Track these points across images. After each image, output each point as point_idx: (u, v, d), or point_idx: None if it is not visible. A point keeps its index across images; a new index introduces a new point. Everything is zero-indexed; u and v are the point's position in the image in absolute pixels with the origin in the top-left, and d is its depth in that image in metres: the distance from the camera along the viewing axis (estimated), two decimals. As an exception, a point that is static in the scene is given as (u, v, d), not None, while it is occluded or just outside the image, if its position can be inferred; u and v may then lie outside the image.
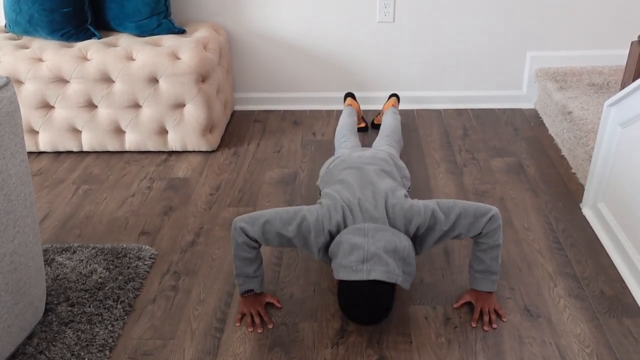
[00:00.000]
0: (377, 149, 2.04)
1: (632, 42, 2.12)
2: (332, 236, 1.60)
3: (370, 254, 1.48)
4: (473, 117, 2.95)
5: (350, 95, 2.82)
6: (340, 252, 1.52)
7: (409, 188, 1.97)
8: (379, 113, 2.83)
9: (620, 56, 2.83)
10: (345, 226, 1.59)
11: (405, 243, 1.53)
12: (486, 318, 1.68)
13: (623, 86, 2.18)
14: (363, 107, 3.03)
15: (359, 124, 2.76)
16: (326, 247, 1.61)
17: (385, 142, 2.29)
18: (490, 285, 1.71)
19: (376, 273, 1.47)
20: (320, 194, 1.94)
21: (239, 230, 1.63)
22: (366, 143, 2.66)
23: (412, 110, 3.05)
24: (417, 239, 1.63)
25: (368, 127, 2.83)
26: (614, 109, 1.94)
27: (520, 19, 2.86)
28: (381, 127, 2.50)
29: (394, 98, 2.80)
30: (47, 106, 2.60)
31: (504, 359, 1.58)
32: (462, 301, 1.75)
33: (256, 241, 1.65)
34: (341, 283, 1.55)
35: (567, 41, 2.91)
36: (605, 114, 1.98)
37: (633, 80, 2.05)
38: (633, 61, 2.10)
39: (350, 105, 2.72)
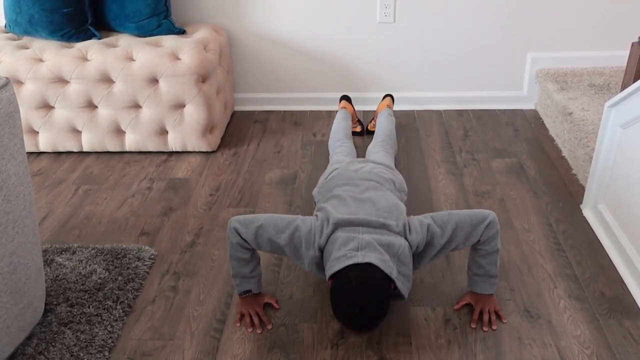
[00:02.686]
0: (374, 162, 1.98)
1: (632, 43, 2.12)
2: (322, 251, 1.57)
3: (364, 242, 1.47)
4: (473, 118, 2.95)
5: (345, 98, 2.81)
6: (335, 247, 1.50)
7: (405, 202, 1.94)
8: (372, 118, 2.80)
9: (620, 57, 2.83)
10: None
11: (400, 242, 1.51)
12: (486, 318, 1.68)
13: (623, 87, 2.17)
14: (363, 108, 3.03)
15: (354, 127, 2.75)
16: (317, 262, 1.59)
17: (380, 148, 2.27)
18: (490, 287, 1.70)
19: (371, 257, 1.44)
20: (315, 204, 1.94)
21: (233, 231, 1.62)
22: (362, 147, 2.65)
23: (413, 111, 3.05)
24: (416, 255, 1.61)
25: (364, 131, 2.81)
26: (615, 110, 1.94)
27: (520, 20, 2.86)
28: (376, 131, 2.49)
29: (388, 98, 2.78)
30: (47, 106, 2.60)
31: (504, 360, 1.58)
32: (462, 303, 1.75)
33: (248, 245, 1.64)
34: (334, 282, 1.46)
35: (567, 42, 2.91)
36: (605, 115, 1.98)
37: (633, 82, 2.04)
38: (633, 62, 2.10)
39: (345, 108, 2.70)
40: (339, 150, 2.29)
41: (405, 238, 1.56)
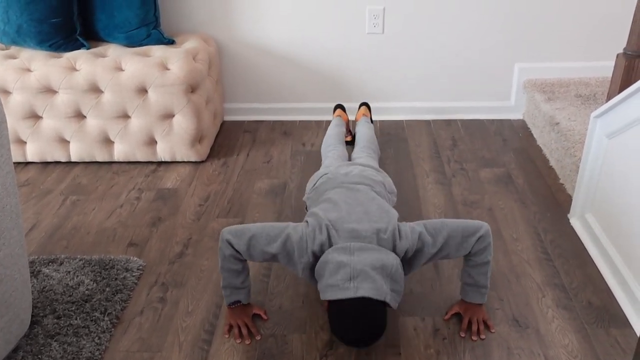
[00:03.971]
0: (362, 165, 1.99)
1: (617, 55, 2.14)
2: (315, 257, 1.57)
3: (356, 271, 1.45)
4: (462, 128, 2.97)
5: (340, 107, 2.83)
6: (327, 271, 1.49)
7: (395, 203, 1.96)
8: (349, 130, 2.79)
9: (606, 68, 2.86)
10: (330, 246, 1.55)
11: (393, 261, 1.50)
12: (474, 327, 1.68)
13: (609, 98, 2.20)
14: (352, 117, 3.03)
15: (346, 137, 2.76)
16: (310, 267, 1.59)
17: (365, 153, 2.28)
18: (479, 297, 1.71)
19: (364, 290, 1.43)
20: (306, 208, 1.94)
21: (226, 243, 1.62)
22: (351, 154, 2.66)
23: (402, 120, 3.06)
24: (405, 262, 1.61)
25: (354, 141, 2.82)
26: (600, 121, 1.96)
27: (508, 31, 2.89)
28: (357, 137, 2.51)
29: (364, 107, 2.81)
30: (35, 116, 2.59)
31: (493, 370, 1.58)
32: (452, 312, 1.75)
33: (241, 256, 1.64)
34: (330, 306, 1.50)
35: (554, 53, 2.94)
36: (591, 126, 2.00)
37: (619, 92, 2.07)
38: (619, 73, 2.12)
39: (340, 116, 2.73)
40: (330, 154, 2.30)
41: (394, 245, 1.55)
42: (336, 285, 1.45)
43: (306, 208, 1.96)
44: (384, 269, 1.47)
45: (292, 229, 1.59)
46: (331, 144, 2.39)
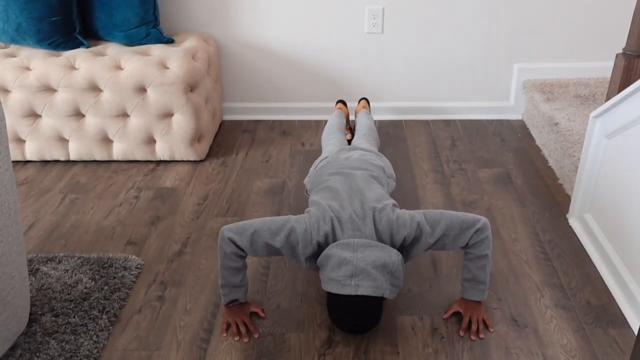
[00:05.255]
0: (362, 149, 2.04)
1: (617, 55, 2.14)
2: (320, 247, 1.59)
3: (358, 269, 1.48)
4: (461, 128, 2.97)
5: (341, 101, 2.84)
6: (329, 265, 1.52)
7: (394, 187, 1.99)
8: (349, 128, 2.81)
9: (605, 68, 2.86)
10: (334, 237, 1.58)
11: (394, 258, 1.53)
12: (474, 327, 1.68)
13: (608, 98, 2.20)
14: (351, 117, 3.03)
15: (346, 135, 2.76)
16: (314, 255, 1.61)
17: (365, 140, 2.32)
18: (479, 294, 1.71)
19: (364, 289, 1.48)
20: (307, 192, 1.97)
21: (227, 240, 1.62)
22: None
23: (401, 120, 3.06)
24: (403, 250, 1.63)
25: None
26: (599, 121, 1.96)
27: (507, 31, 2.89)
28: (357, 127, 2.55)
29: (364, 101, 2.84)
30: (34, 115, 2.59)
31: (491, 369, 1.58)
32: (451, 311, 1.75)
33: (244, 250, 1.64)
34: (330, 294, 1.56)
35: (553, 53, 2.94)
36: (590, 126, 2.00)
37: (618, 92, 2.07)
38: (618, 73, 2.12)
39: (340, 109, 2.74)
40: (331, 142, 2.32)
41: (391, 231, 1.58)
42: (338, 281, 1.49)
43: (307, 192, 1.98)
44: (386, 267, 1.50)
45: (295, 222, 1.60)
46: (332, 132, 2.41)
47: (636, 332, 1.67)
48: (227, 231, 1.63)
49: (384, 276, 1.50)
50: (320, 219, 1.60)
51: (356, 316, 1.54)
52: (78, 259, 1.99)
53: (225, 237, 1.62)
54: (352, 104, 3.04)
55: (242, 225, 1.63)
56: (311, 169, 2.06)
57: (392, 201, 1.69)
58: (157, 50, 2.61)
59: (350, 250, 1.51)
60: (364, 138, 2.35)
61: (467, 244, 1.64)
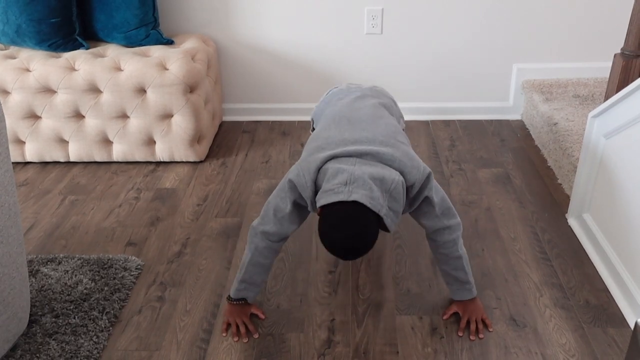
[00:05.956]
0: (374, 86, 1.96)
1: (615, 55, 2.15)
2: (316, 187, 1.49)
3: (354, 177, 1.39)
4: (460, 128, 2.97)
5: None
6: (325, 178, 1.44)
7: (404, 128, 1.91)
8: None
9: (604, 68, 2.87)
10: (330, 157, 1.49)
11: (394, 176, 1.43)
12: (473, 327, 1.69)
13: (606, 98, 2.20)
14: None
15: None
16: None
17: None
18: (467, 293, 1.71)
19: (358, 195, 1.36)
20: (312, 128, 1.93)
21: (261, 236, 1.60)
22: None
23: (400, 121, 3.07)
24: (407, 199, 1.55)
25: None
26: (598, 121, 1.96)
27: (506, 31, 2.89)
28: None
29: None
30: (34, 116, 2.59)
31: (490, 369, 1.58)
32: (450, 312, 1.75)
33: (278, 237, 1.60)
34: (322, 210, 1.43)
35: (552, 53, 2.94)
36: (589, 126, 2.00)
37: (616, 92, 2.07)
38: (616, 73, 2.12)
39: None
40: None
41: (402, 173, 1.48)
42: (331, 190, 1.39)
43: (312, 128, 1.94)
44: (384, 183, 1.41)
45: (289, 173, 1.55)
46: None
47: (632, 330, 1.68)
48: (258, 226, 1.60)
49: (382, 192, 1.39)
50: (309, 155, 1.53)
51: (346, 230, 1.36)
52: (78, 259, 1.99)
53: (258, 233, 1.60)
54: (351, 105, 3.04)
55: (263, 214, 1.61)
56: (318, 104, 1.95)
57: (405, 138, 1.61)
58: (156, 51, 2.61)
59: (349, 164, 1.44)
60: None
61: (433, 231, 1.60)
